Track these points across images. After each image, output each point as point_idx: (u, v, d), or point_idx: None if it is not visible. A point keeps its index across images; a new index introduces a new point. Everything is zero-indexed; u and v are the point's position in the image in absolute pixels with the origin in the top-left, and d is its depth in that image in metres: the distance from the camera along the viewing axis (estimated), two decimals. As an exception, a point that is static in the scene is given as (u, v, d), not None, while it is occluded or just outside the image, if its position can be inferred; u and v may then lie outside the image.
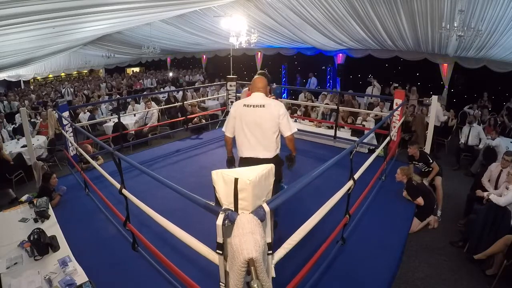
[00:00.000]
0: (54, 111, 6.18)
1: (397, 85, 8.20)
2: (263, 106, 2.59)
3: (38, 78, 16.42)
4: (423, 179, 3.99)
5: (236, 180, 1.33)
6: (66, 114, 4.88)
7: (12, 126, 7.39)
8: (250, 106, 2.60)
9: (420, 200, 3.65)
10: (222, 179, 1.40)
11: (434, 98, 5.02)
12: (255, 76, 2.85)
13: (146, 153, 5.78)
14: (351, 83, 10.56)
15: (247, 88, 4.23)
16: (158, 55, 14.60)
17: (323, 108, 7.36)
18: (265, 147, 2.62)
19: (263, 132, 2.59)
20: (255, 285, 1.15)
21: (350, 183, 2.55)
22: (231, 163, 2.98)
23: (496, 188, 3.90)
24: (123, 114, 5.66)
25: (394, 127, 4.95)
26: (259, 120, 2.57)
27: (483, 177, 4.09)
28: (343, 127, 6.16)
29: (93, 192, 3.83)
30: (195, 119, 6.97)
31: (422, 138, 5.76)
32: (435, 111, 5.97)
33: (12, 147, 5.72)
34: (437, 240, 3.55)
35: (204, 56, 15.28)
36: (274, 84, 4.42)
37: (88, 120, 7.27)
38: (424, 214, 3.70)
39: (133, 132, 6.83)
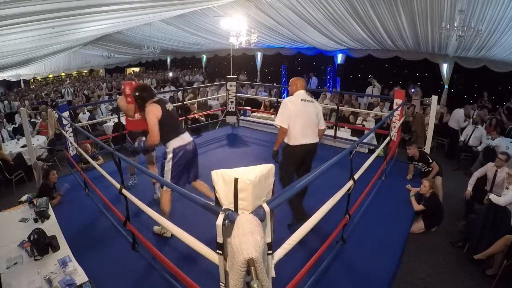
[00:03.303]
0: (54, 111, 6.18)
1: (418, 89, 8.30)
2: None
3: (38, 78, 16.42)
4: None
5: (236, 180, 1.33)
6: (66, 114, 4.88)
7: (12, 126, 7.40)
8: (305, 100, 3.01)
9: (419, 207, 3.65)
10: (222, 179, 1.40)
11: (434, 98, 5.02)
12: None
13: (146, 153, 5.76)
14: (351, 83, 10.57)
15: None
16: (158, 55, 14.60)
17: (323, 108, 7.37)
18: None
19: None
20: (255, 285, 1.15)
21: (350, 183, 2.55)
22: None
23: (492, 187, 3.92)
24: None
25: (394, 127, 4.95)
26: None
27: (476, 172, 4.11)
28: (343, 127, 6.16)
29: (93, 192, 3.82)
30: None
31: (422, 138, 5.76)
32: (457, 116, 6.13)
33: (12, 147, 5.72)
34: (437, 240, 3.55)
35: (204, 56, 15.28)
36: None
37: (88, 120, 7.27)
38: (432, 223, 3.68)
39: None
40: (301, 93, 3.06)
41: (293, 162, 3.03)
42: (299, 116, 2.93)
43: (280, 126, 2.96)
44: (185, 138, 2.89)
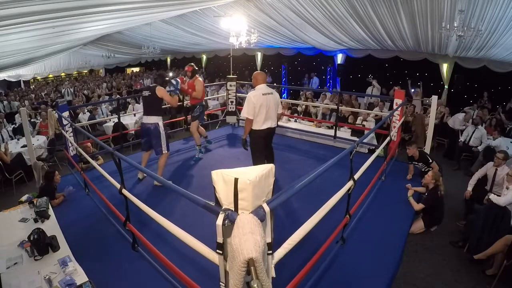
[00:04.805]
0: (54, 111, 6.19)
1: (418, 89, 8.33)
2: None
3: (38, 78, 16.41)
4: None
5: (236, 180, 1.33)
6: (66, 114, 4.88)
7: (12, 126, 7.40)
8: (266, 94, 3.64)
9: (419, 206, 3.64)
10: (222, 179, 1.40)
11: (434, 98, 5.02)
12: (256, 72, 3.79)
13: (146, 153, 5.77)
14: (351, 83, 10.56)
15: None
16: (158, 55, 14.60)
17: (322, 108, 7.37)
18: None
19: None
20: (255, 285, 1.15)
21: (350, 183, 2.56)
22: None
23: (492, 187, 3.93)
24: (123, 114, 5.66)
25: (394, 127, 4.95)
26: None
27: (477, 172, 4.13)
28: (343, 127, 6.16)
29: (93, 192, 3.83)
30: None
31: (422, 138, 5.76)
32: (454, 118, 6.27)
33: (12, 147, 5.72)
34: (437, 240, 3.55)
35: (204, 56, 15.28)
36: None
37: (88, 120, 7.27)
38: (432, 222, 3.67)
39: (133, 132, 6.83)
40: (262, 87, 3.67)
41: (258, 141, 3.79)
42: (262, 107, 3.59)
43: (246, 117, 3.64)
44: (143, 119, 4.13)
